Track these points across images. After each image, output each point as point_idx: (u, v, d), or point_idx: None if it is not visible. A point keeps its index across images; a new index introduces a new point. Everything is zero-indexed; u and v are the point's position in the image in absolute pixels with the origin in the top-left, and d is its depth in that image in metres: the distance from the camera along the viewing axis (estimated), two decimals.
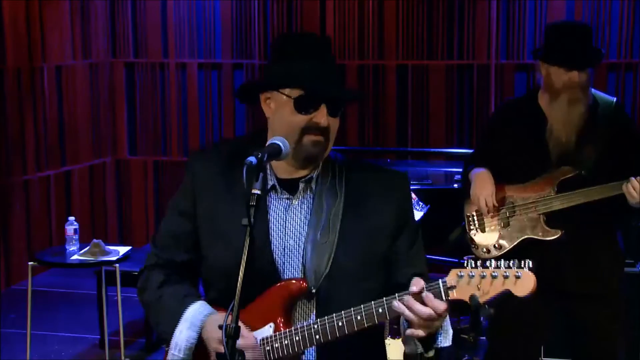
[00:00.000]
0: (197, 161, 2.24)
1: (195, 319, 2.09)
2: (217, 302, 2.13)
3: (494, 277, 1.86)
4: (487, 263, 1.89)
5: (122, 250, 4.94)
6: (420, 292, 1.93)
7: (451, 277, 1.90)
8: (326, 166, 2.16)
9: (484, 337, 4.81)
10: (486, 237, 3.51)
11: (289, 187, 2.14)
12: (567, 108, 3.30)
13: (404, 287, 2.03)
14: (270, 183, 2.14)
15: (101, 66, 7.45)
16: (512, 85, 6.69)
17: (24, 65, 6.60)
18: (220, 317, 1.99)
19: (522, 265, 1.87)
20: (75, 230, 4.98)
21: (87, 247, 4.88)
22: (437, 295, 1.92)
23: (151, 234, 7.57)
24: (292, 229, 2.12)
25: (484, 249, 3.50)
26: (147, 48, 7.45)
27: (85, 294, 6.08)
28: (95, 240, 4.91)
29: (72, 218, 5.07)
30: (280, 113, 2.08)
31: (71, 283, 6.53)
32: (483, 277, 1.86)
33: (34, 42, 6.69)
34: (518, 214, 3.43)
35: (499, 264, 1.88)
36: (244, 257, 1.86)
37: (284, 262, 2.10)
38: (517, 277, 1.84)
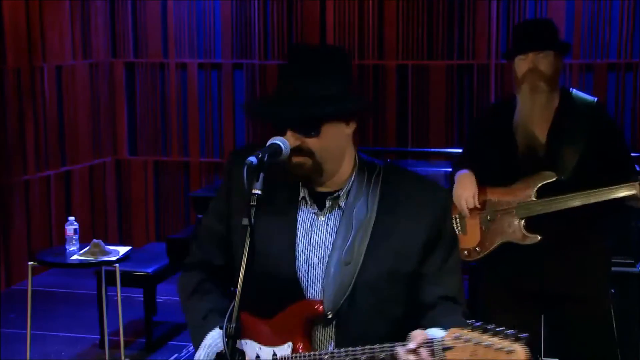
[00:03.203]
0: (233, 162, 2.18)
1: (212, 349, 2.10)
2: (247, 309, 2.09)
3: (487, 346, 1.80)
4: (488, 326, 1.82)
5: (122, 250, 4.94)
6: (417, 348, 1.86)
7: (449, 337, 1.84)
8: (360, 178, 2.08)
9: None
10: (467, 239, 3.50)
11: (320, 200, 2.08)
12: (529, 97, 3.31)
13: (429, 307, 2.02)
14: (300, 194, 2.09)
15: (101, 66, 7.45)
16: (512, 85, 6.68)
17: (24, 65, 6.60)
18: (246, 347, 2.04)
19: (518, 338, 1.80)
20: (75, 230, 4.97)
21: (87, 247, 4.88)
22: (433, 354, 1.85)
23: (151, 234, 7.58)
24: (316, 246, 2.06)
25: (465, 251, 3.50)
26: (147, 48, 7.45)
27: (85, 294, 6.08)
28: (95, 240, 4.91)
29: (72, 218, 5.06)
30: None
31: (71, 283, 6.53)
32: (478, 343, 1.81)
33: (34, 42, 6.69)
34: (498, 218, 3.43)
35: (497, 330, 1.81)
36: (244, 259, 1.85)
37: (307, 279, 2.05)
38: (509, 352, 1.78)
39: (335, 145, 2.03)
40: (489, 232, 3.45)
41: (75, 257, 4.85)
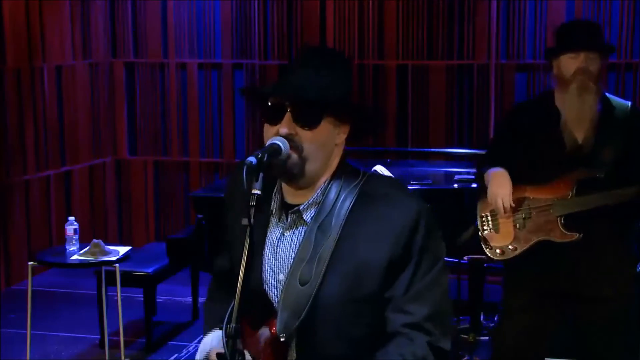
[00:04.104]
0: (234, 175, 2.16)
1: (203, 352, 2.12)
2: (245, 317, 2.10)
3: None
4: None
5: (122, 250, 4.94)
6: None
7: None
8: (334, 190, 1.99)
9: (486, 337, 4.82)
10: (501, 238, 3.48)
11: (289, 213, 2.02)
12: (577, 97, 3.31)
13: (390, 336, 1.93)
14: (271, 205, 2.04)
15: (101, 66, 7.45)
16: (512, 85, 6.69)
17: (24, 65, 6.59)
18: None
19: None
20: (75, 230, 4.97)
21: (87, 247, 4.87)
22: None
23: (151, 234, 7.58)
24: (282, 262, 2.00)
25: (498, 250, 3.49)
26: (147, 48, 7.45)
27: (85, 294, 6.09)
28: (95, 240, 4.90)
29: (72, 218, 5.06)
30: (264, 125, 2.01)
31: (71, 283, 6.53)
32: None
33: (34, 42, 6.69)
34: (534, 216, 3.42)
35: None
36: (244, 259, 1.84)
37: (276, 295, 2.00)
38: None
39: (325, 147, 1.98)
40: (524, 230, 3.44)
41: (75, 257, 4.85)
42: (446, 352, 1.96)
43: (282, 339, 1.94)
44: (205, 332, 2.19)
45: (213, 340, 2.11)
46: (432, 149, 6.66)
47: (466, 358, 4.66)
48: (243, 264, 1.84)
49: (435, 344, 1.93)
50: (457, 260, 4.78)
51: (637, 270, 4.39)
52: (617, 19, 6.44)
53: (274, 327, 1.96)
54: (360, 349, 1.97)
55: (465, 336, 4.79)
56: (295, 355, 1.97)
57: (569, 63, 3.31)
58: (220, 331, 2.08)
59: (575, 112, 3.33)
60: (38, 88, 6.75)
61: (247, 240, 1.84)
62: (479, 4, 6.67)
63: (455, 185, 4.92)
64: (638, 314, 4.05)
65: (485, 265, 4.86)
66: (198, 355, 2.13)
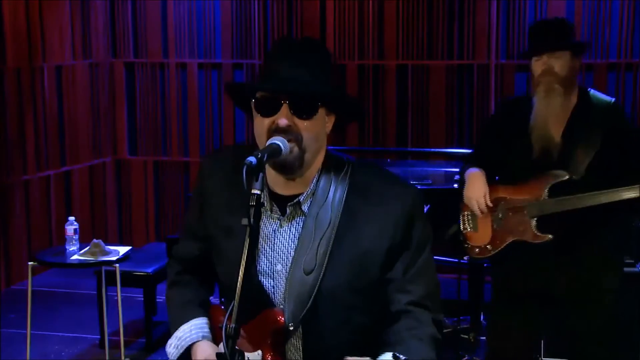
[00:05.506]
0: (206, 164, 2.20)
1: (183, 340, 2.13)
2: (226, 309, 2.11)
3: None
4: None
5: (122, 250, 4.94)
6: None
7: None
8: (326, 179, 2.03)
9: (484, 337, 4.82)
10: (479, 237, 3.53)
11: (283, 204, 2.03)
12: (544, 99, 3.30)
13: (397, 316, 1.98)
14: (261, 199, 2.03)
15: (101, 66, 7.45)
16: (512, 85, 6.70)
17: (24, 65, 6.59)
18: (208, 346, 2.08)
19: None
20: (75, 230, 4.97)
21: (87, 247, 4.87)
22: None
23: (151, 234, 7.58)
24: (280, 253, 2.02)
25: (476, 249, 3.52)
26: (147, 48, 7.45)
27: (85, 294, 6.09)
28: (95, 240, 4.90)
29: (72, 218, 5.06)
30: (255, 118, 2.02)
31: (71, 283, 6.53)
32: None
33: (34, 42, 6.69)
34: (510, 216, 3.42)
35: None
36: (244, 257, 1.83)
37: (273, 286, 2.02)
38: None
39: (320, 136, 2.01)
40: (500, 230, 3.45)
41: (75, 257, 4.85)
42: (442, 323, 2.09)
43: (290, 328, 1.97)
44: (173, 320, 2.17)
45: (198, 330, 2.12)
46: (432, 149, 6.66)
47: (466, 358, 4.66)
48: (243, 263, 1.84)
49: (436, 319, 2.03)
50: (457, 260, 4.78)
51: (637, 269, 4.40)
52: (617, 19, 6.44)
53: (279, 317, 1.98)
54: (364, 336, 2.01)
55: (465, 336, 4.79)
56: (301, 344, 2.01)
57: (535, 65, 3.33)
58: (198, 321, 2.14)
59: (544, 114, 3.32)
60: (38, 88, 6.75)
61: (247, 240, 1.83)
62: (479, 4, 6.67)
63: (455, 185, 4.92)
64: (638, 313, 4.05)
65: (485, 265, 4.86)
66: (174, 345, 2.13)
